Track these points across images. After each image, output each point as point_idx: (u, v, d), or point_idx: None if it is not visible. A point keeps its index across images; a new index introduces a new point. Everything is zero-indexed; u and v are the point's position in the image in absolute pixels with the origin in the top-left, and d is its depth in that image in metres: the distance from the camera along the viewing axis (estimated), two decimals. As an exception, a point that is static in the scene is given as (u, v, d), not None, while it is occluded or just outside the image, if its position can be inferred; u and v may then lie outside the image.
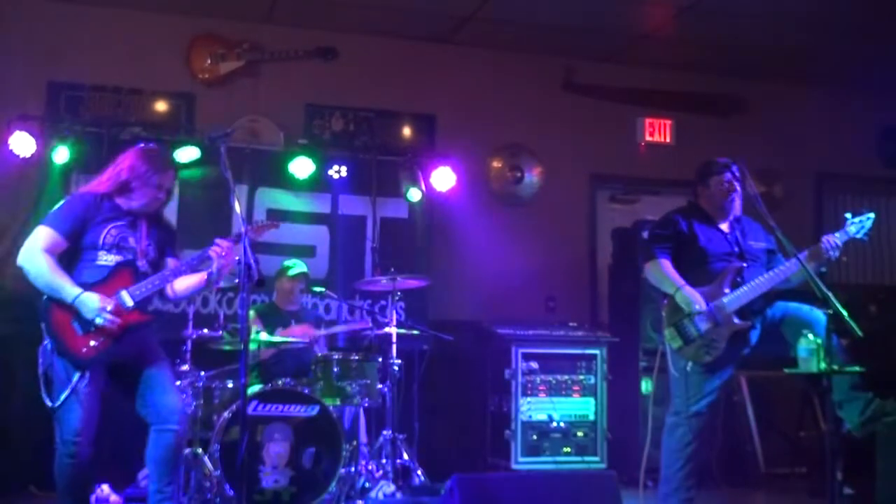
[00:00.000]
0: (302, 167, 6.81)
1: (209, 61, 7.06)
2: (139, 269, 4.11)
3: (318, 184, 6.96)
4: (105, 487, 5.35)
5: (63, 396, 3.88)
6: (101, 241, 4.03)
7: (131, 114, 6.78)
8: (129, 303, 4.00)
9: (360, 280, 6.52)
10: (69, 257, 4.03)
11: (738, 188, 4.71)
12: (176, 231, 4.53)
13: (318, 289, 6.37)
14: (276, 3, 6.89)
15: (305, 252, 6.84)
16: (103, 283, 4.00)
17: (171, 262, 4.26)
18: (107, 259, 4.04)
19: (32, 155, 6.31)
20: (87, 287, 3.94)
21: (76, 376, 3.89)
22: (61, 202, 4.15)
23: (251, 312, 6.25)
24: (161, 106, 6.92)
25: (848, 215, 4.59)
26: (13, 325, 6.07)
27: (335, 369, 5.55)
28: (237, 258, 3.97)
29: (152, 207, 4.22)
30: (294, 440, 5.15)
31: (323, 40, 7.26)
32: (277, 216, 6.89)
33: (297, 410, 5.20)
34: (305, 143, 7.02)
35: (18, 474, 5.86)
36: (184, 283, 4.23)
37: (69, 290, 3.90)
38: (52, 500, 4.76)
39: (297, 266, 6.33)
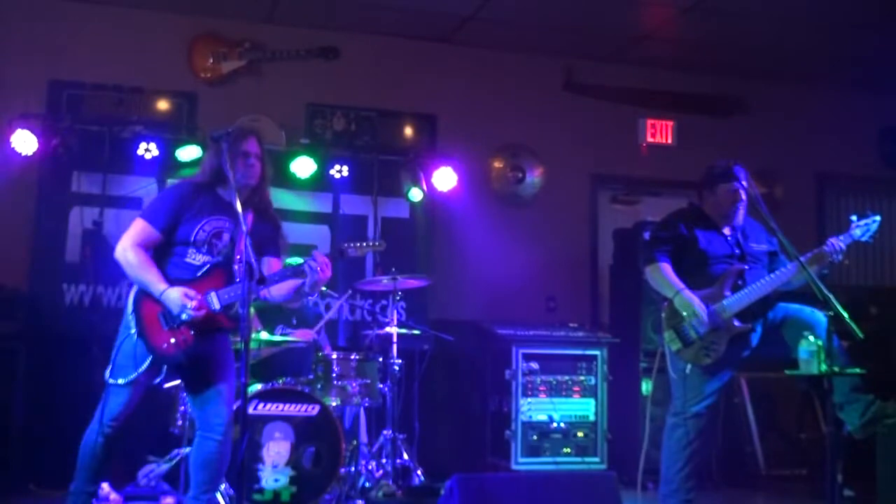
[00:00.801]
0: (303, 167, 6.81)
1: (211, 60, 7.06)
2: (233, 272, 4.11)
3: (320, 183, 6.97)
4: (105, 486, 5.34)
5: (122, 381, 3.95)
6: (192, 237, 4.04)
7: (132, 112, 6.75)
8: (217, 305, 4.01)
9: (362, 279, 6.52)
10: (161, 250, 4.07)
11: (745, 198, 4.67)
12: (281, 227, 4.49)
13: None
14: (277, 2, 6.89)
15: (307, 251, 6.81)
16: (195, 281, 4.02)
17: (270, 263, 4.29)
18: (195, 258, 4.05)
19: (34, 153, 6.32)
20: (178, 284, 3.97)
21: (144, 366, 3.94)
22: (163, 191, 4.20)
23: (251, 310, 6.24)
24: (162, 105, 6.91)
25: (853, 217, 4.58)
26: (14, 324, 6.08)
27: (336, 369, 5.55)
28: (329, 274, 4.10)
29: (250, 179, 4.15)
30: (294, 440, 5.15)
31: (324, 40, 7.26)
32: (279, 215, 6.88)
33: (298, 410, 5.19)
34: (307, 142, 7.03)
35: (18, 472, 5.86)
36: (276, 288, 4.23)
37: (157, 285, 3.94)
38: (52, 498, 4.77)
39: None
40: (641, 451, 4.91)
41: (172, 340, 3.95)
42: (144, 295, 3.98)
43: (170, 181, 6.63)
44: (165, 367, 4.01)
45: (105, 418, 3.98)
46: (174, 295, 3.91)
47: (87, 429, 4.03)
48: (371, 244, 4.42)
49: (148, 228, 4.03)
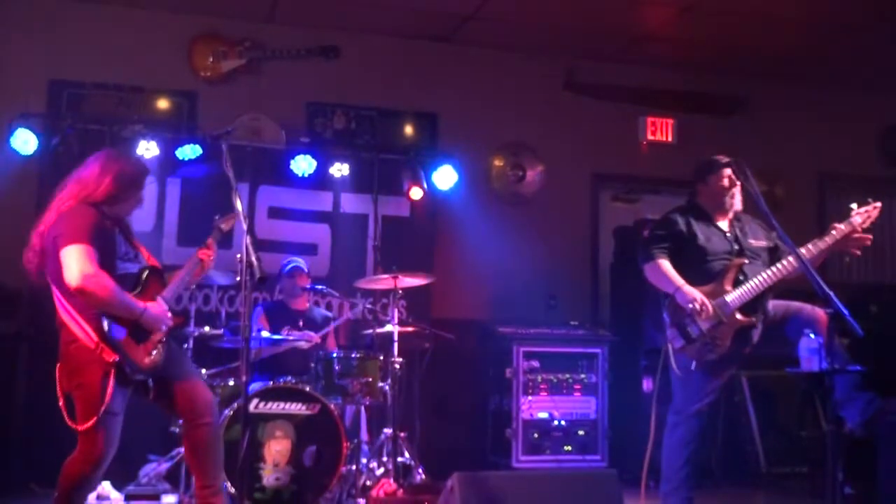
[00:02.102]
0: (303, 165, 6.81)
1: (211, 59, 7.07)
2: (163, 274, 4.15)
3: (320, 182, 6.97)
4: (106, 485, 5.34)
5: (116, 410, 3.86)
6: (117, 251, 4.00)
7: (133, 111, 6.77)
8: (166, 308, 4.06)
9: (362, 278, 6.52)
10: None
11: (738, 183, 4.70)
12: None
13: (318, 286, 6.37)
14: (277, 2, 6.89)
15: (307, 250, 6.86)
16: (142, 292, 4.00)
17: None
18: (125, 267, 4.02)
19: (34, 152, 6.32)
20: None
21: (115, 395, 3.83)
22: (70, 217, 3.92)
23: (258, 309, 6.26)
24: (163, 104, 6.92)
25: (853, 206, 4.59)
26: (14, 323, 6.08)
27: (336, 367, 5.55)
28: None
29: (131, 213, 4.20)
30: (295, 438, 5.15)
31: (324, 39, 7.26)
32: (279, 214, 6.92)
33: (299, 408, 5.20)
34: (307, 141, 7.03)
35: (18, 472, 5.87)
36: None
37: (137, 305, 3.89)
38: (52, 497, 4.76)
39: (293, 262, 6.35)
40: (647, 449, 4.89)
41: (154, 353, 3.95)
42: (113, 321, 3.84)
43: (170, 180, 6.65)
44: (151, 380, 3.97)
45: (103, 455, 3.86)
46: (157, 311, 3.94)
47: (69, 461, 3.91)
48: (233, 215, 4.48)
49: (93, 252, 3.82)
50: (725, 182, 4.71)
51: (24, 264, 4.04)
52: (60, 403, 3.86)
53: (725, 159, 4.72)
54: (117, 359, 3.80)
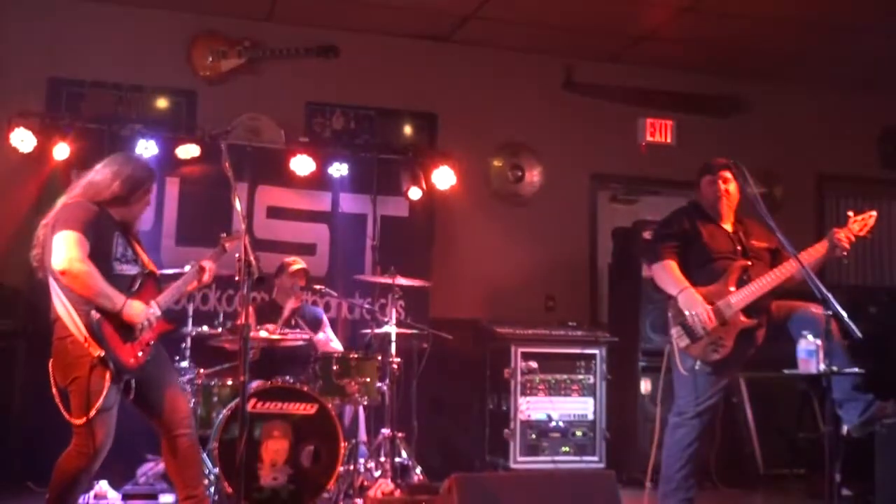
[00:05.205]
0: (302, 165, 6.81)
1: (210, 59, 7.06)
2: (159, 280, 4.16)
3: (319, 182, 6.96)
4: (103, 484, 5.34)
5: (107, 407, 3.86)
6: (113, 251, 4.00)
7: (132, 110, 6.77)
8: (158, 312, 4.05)
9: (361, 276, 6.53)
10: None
11: (730, 191, 4.69)
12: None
13: (316, 286, 6.36)
14: (277, 1, 6.89)
15: (305, 250, 6.84)
16: (136, 295, 4.00)
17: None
18: (122, 269, 4.03)
19: (33, 151, 6.31)
20: None
21: (109, 385, 3.85)
22: (70, 208, 4.00)
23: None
24: (162, 103, 6.91)
25: (850, 213, 4.60)
26: (14, 322, 6.08)
27: (334, 367, 5.55)
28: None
29: (140, 217, 4.26)
30: (293, 438, 5.14)
31: (324, 38, 7.26)
32: (278, 214, 6.91)
33: (297, 408, 5.19)
34: (306, 141, 7.02)
35: (18, 471, 5.86)
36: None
37: (117, 297, 3.88)
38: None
39: (296, 263, 6.33)
40: (643, 450, 4.89)
41: (140, 353, 3.94)
42: (102, 316, 3.85)
43: (169, 179, 6.64)
44: (134, 381, 3.98)
45: (99, 448, 3.89)
46: (139, 307, 3.92)
47: (64, 456, 3.92)
48: (235, 235, 4.56)
49: (85, 242, 3.86)
50: (713, 188, 4.70)
51: (32, 261, 4.05)
52: (57, 399, 3.88)
53: (720, 163, 4.70)
54: (102, 354, 3.80)
